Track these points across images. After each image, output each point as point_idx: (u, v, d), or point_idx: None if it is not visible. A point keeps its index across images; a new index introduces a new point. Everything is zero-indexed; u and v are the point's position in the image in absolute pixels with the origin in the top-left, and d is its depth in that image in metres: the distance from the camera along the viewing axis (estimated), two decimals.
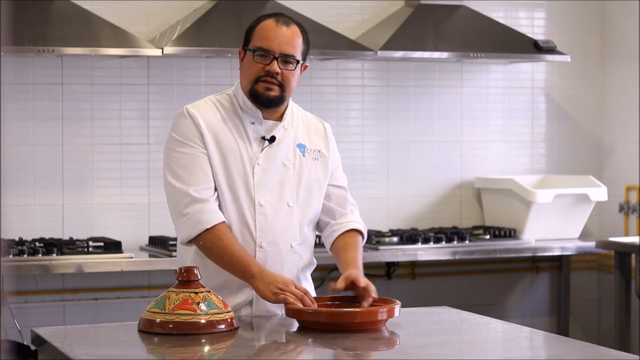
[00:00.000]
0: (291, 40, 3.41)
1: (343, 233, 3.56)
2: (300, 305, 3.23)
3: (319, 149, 3.55)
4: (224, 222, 3.38)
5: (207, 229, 3.35)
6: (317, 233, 3.63)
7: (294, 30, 3.43)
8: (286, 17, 3.46)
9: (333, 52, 5.63)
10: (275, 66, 3.40)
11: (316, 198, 3.53)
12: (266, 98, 3.43)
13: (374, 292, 3.34)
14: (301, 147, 3.52)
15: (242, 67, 3.46)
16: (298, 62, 3.43)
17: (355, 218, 3.60)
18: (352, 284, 3.34)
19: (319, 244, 3.79)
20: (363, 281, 3.34)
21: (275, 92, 3.42)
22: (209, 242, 3.37)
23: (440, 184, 6.27)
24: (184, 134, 3.43)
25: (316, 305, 3.27)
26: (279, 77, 3.40)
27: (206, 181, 3.40)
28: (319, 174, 3.54)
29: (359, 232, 3.58)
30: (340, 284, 3.34)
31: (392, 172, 6.16)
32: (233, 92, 3.51)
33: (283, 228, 3.44)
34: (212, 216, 3.37)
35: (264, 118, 3.47)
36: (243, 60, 3.46)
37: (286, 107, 3.51)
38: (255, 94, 3.42)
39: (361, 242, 3.58)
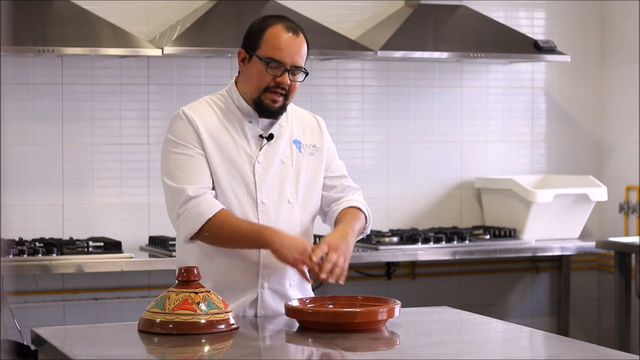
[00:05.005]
0: (300, 50, 3.41)
1: (344, 209, 3.55)
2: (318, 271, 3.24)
3: (313, 144, 3.56)
4: (223, 208, 3.37)
5: (209, 219, 3.34)
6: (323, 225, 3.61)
7: (302, 39, 3.43)
8: (292, 22, 3.44)
9: (333, 52, 5.63)
10: (287, 78, 3.40)
11: (314, 194, 3.54)
12: (271, 109, 3.43)
13: (326, 269, 3.29)
14: (297, 143, 3.53)
15: (248, 73, 3.43)
16: (306, 72, 3.44)
17: (356, 198, 3.60)
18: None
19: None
20: (321, 253, 3.30)
21: (280, 103, 3.43)
22: (215, 229, 3.34)
23: (440, 184, 6.27)
24: (180, 136, 3.42)
25: (326, 275, 3.26)
26: (287, 88, 3.41)
27: (203, 181, 3.39)
28: (316, 169, 3.55)
29: (360, 209, 3.57)
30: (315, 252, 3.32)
31: (392, 172, 6.16)
32: (227, 92, 3.50)
33: (285, 225, 3.44)
34: (211, 205, 3.35)
35: (260, 117, 3.48)
36: (248, 66, 3.43)
37: None
38: (262, 104, 3.42)
39: (361, 215, 3.55)
